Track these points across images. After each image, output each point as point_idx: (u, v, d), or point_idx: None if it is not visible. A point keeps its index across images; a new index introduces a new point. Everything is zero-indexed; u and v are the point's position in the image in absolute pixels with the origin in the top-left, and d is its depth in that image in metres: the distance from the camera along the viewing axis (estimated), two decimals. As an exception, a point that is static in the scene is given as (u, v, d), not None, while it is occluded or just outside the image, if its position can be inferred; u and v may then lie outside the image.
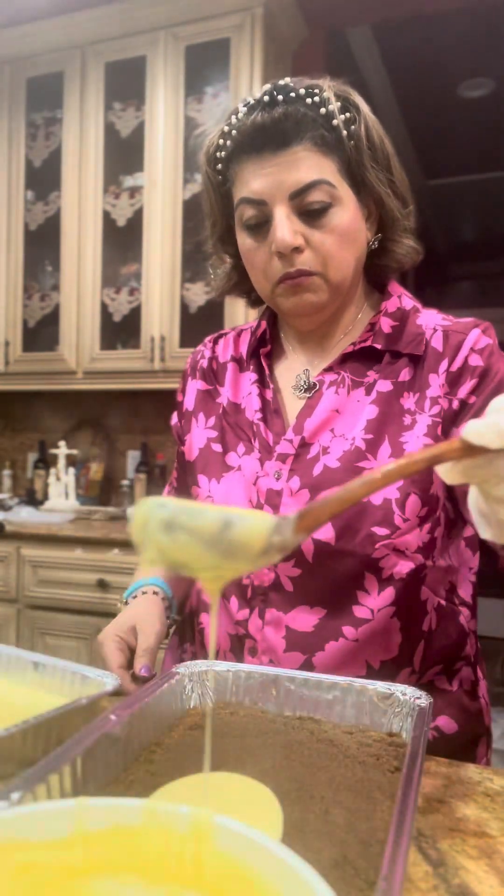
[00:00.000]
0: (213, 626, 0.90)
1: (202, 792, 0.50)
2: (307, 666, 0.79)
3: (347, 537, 0.79)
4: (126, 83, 2.78)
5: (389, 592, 0.79)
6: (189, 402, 0.99)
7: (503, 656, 3.46)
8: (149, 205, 2.71)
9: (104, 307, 2.83)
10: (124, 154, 2.82)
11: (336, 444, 0.83)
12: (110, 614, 2.68)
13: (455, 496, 0.83)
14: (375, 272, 0.93)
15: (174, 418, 1.04)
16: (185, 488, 1.05)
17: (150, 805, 0.39)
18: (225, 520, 0.42)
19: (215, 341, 1.03)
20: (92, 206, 2.82)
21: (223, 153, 0.85)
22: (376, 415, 0.83)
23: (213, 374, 0.99)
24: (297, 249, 0.81)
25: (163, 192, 2.69)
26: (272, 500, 0.84)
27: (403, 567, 0.80)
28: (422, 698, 0.65)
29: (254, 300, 0.99)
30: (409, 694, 0.66)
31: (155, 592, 0.92)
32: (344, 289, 0.86)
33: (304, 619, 0.81)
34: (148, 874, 0.38)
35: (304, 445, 0.85)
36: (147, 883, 0.38)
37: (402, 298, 0.91)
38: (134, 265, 2.85)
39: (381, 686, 0.67)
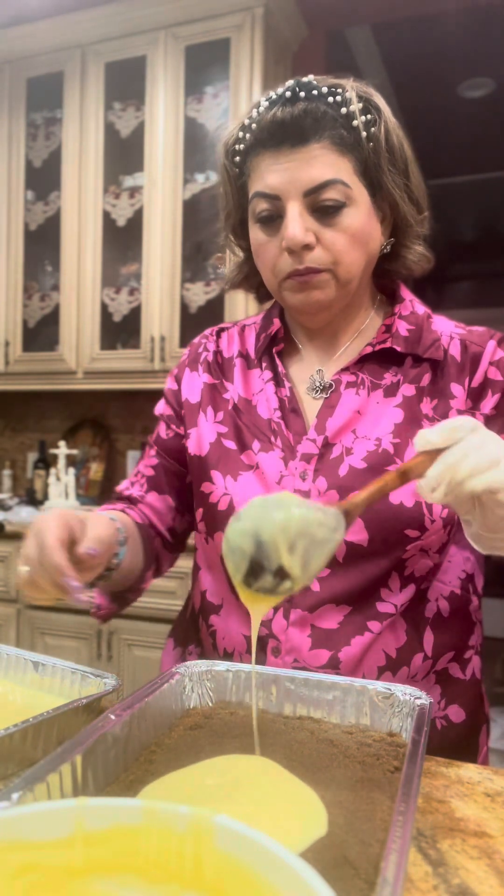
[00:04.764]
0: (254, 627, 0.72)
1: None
2: (333, 661, 0.80)
3: (380, 539, 0.80)
4: (126, 83, 2.78)
5: (411, 589, 0.82)
6: (193, 394, 0.96)
7: (503, 656, 3.46)
8: (149, 205, 2.71)
9: (104, 307, 2.83)
10: (124, 154, 2.82)
11: (359, 446, 0.84)
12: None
13: None
14: (384, 276, 0.94)
15: (160, 406, 1.01)
16: (176, 480, 1.00)
17: (150, 805, 0.39)
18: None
19: (218, 335, 1.01)
20: (92, 206, 2.82)
21: (241, 146, 0.85)
22: (402, 419, 0.84)
23: (218, 369, 0.97)
24: (308, 247, 0.80)
25: (163, 192, 2.69)
26: None
27: (424, 566, 0.83)
28: (422, 698, 0.65)
29: (262, 296, 0.99)
30: (409, 694, 0.66)
31: (112, 519, 0.85)
32: (352, 288, 0.85)
33: (330, 617, 0.81)
34: (148, 874, 0.38)
35: (327, 445, 0.85)
36: (147, 883, 0.38)
37: (413, 304, 0.92)
38: (134, 265, 2.85)
39: (380, 686, 0.67)
